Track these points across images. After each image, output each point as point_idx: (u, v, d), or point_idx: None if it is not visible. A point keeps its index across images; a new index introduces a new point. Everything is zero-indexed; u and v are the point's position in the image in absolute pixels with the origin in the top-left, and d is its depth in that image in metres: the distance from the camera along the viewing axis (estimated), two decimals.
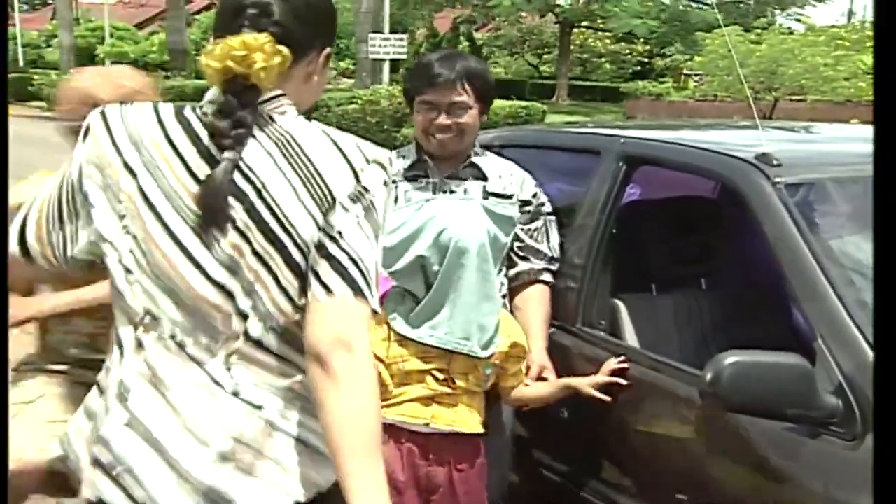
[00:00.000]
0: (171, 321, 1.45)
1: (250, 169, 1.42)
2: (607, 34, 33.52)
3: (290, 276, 1.42)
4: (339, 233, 1.41)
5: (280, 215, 1.41)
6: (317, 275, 1.41)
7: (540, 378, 2.49)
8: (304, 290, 1.42)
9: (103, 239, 1.46)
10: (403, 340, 2.34)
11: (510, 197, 2.63)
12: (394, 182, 2.62)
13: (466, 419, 2.38)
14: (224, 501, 1.41)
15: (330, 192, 1.42)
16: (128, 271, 1.46)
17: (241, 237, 1.42)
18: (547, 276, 2.66)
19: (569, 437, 2.51)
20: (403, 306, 2.37)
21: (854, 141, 3.09)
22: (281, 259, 1.42)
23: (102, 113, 1.49)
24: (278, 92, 1.48)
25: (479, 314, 2.31)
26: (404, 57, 21.52)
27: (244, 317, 1.44)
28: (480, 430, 2.42)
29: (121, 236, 1.45)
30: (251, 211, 1.41)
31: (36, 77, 30.05)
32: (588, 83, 34.97)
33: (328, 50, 1.55)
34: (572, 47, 33.84)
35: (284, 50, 1.43)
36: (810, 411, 1.89)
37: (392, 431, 2.35)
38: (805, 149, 3.01)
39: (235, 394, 1.44)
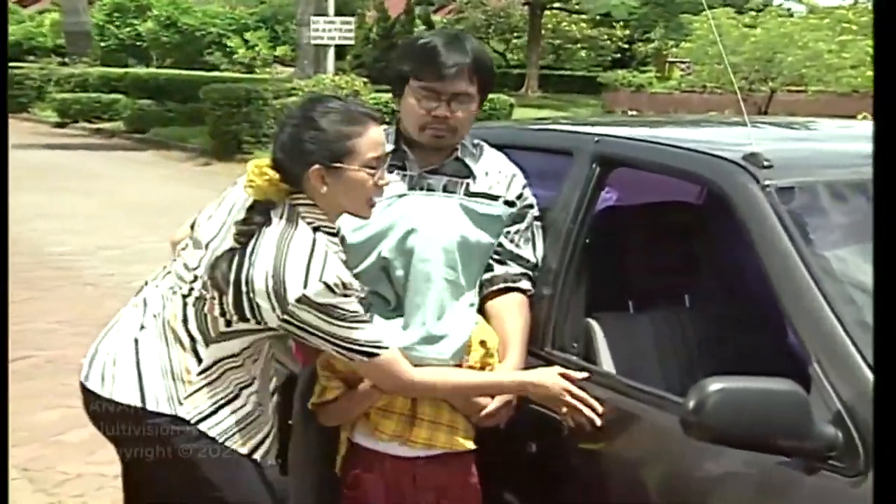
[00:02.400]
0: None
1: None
2: (583, 17, 33.76)
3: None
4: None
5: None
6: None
7: None
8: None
9: None
10: None
11: (496, 198, 2.64)
12: None
13: (451, 436, 2.45)
14: None
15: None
16: None
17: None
18: (525, 284, 2.65)
19: (537, 473, 2.53)
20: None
21: (856, 140, 3.15)
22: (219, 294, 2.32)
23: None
24: (296, 202, 2.31)
25: (447, 323, 2.39)
26: (351, 42, 21.50)
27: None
28: (470, 446, 2.47)
29: None
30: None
31: None
32: (562, 72, 35.22)
33: (316, 167, 2.28)
34: (544, 32, 34.03)
35: (271, 173, 2.29)
36: (806, 443, 1.91)
37: (374, 458, 2.42)
38: (800, 148, 3.06)
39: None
